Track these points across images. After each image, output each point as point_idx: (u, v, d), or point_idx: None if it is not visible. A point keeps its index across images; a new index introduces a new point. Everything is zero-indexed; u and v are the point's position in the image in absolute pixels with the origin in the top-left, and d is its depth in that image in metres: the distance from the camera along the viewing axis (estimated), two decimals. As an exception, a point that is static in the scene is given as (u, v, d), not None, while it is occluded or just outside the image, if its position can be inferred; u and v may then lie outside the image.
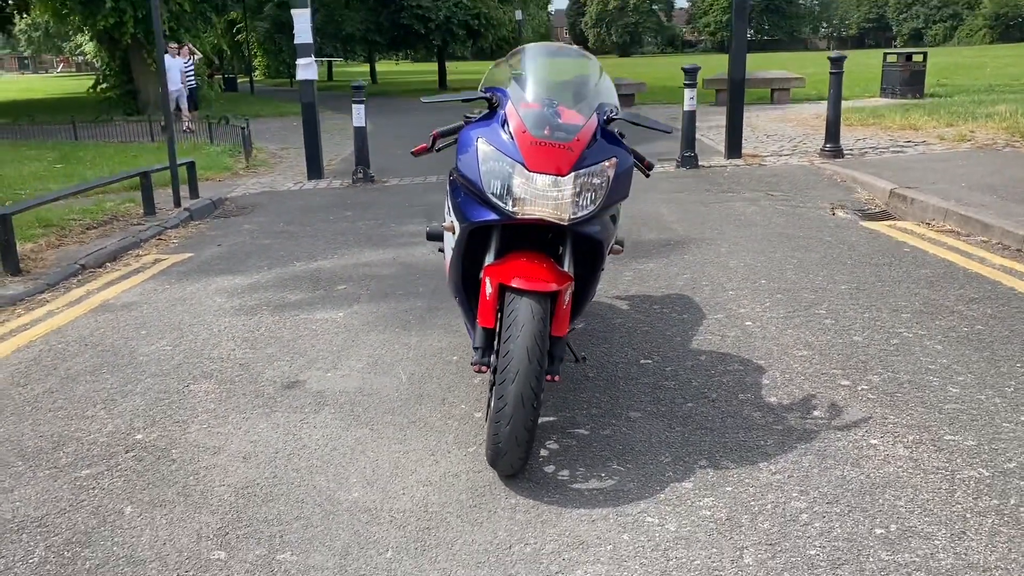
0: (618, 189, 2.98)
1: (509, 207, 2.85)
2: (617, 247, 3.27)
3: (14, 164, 12.67)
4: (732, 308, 4.65)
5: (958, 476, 2.77)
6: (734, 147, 10.64)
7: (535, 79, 3.16)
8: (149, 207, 8.48)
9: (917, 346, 3.95)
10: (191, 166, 9.33)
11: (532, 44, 3.41)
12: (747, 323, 4.38)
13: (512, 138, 2.90)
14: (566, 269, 3.01)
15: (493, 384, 2.80)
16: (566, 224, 2.87)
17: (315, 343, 4.47)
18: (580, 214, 2.86)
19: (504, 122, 2.96)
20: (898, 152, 10.29)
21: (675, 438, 3.16)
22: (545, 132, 2.89)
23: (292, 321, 4.88)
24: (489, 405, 2.86)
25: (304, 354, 4.31)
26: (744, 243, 6.19)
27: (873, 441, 3.03)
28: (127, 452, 3.32)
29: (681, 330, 4.34)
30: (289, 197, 9.73)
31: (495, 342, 2.91)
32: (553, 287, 2.79)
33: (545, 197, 2.83)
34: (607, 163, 2.93)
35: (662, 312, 4.65)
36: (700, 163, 10.29)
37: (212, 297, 5.55)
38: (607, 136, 3.03)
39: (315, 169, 10.72)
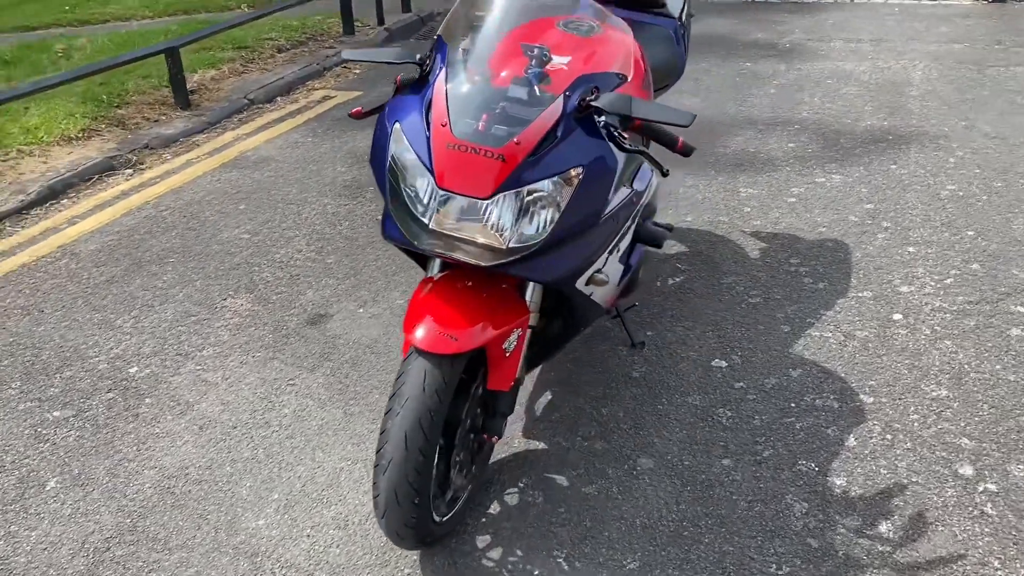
0: (583, 207, 2.04)
1: (416, 235, 2.07)
2: (602, 277, 2.29)
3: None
4: (893, 282, 3.45)
5: None
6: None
7: (492, 37, 2.21)
8: (348, 26, 8.15)
9: None
10: (400, -24, 8.76)
11: None
12: (895, 316, 3.22)
13: (429, 133, 2.06)
14: (529, 298, 2.21)
15: None
16: (485, 267, 2.04)
17: (379, 256, 3.98)
18: (514, 248, 2.01)
19: (430, 104, 2.11)
20: None
21: (667, 526, 2.36)
22: (478, 127, 2.01)
23: (379, 219, 4.40)
24: None
25: (359, 272, 3.85)
26: (989, 153, 4.63)
27: (937, 613, 2.05)
28: (108, 392, 3.13)
29: (798, 312, 3.29)
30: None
31: None
32: (467, 346, 2.03)
33: (459, 228, 2.00)
34: (569, 174, 2.00)
35: (795, 273, 3.57)
36: (1013, -7, 7.97)
37: (335, 164, 5.19)
38: (584, 125, 2.07)
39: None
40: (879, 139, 4.91)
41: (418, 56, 2.29)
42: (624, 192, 2.23)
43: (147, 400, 3.08)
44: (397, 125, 2.10)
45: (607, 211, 2.12)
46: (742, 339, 3.15)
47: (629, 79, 2.19)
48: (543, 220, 1.99)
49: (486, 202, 1.96)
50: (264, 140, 5.72)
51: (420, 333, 2.03)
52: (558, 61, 2.29)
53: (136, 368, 3.27)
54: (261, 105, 6.51)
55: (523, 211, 1.99)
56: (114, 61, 6.00)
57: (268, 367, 3.22)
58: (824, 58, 6.55)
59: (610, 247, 2.24)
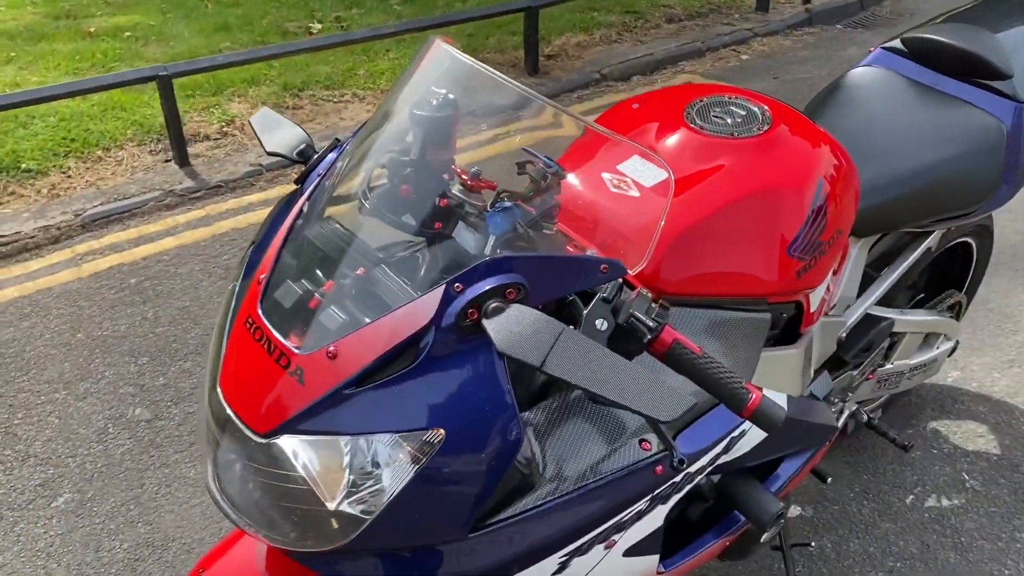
0: (438, 502, 1.06)
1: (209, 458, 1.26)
2: None
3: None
4: None
5: None
6: None
7: (384, 148, 1.26)
8: (762, 0, 6.98)
9: None
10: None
11: (444, 52, 1.29)
12: None
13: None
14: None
15: None
16: (272, 545, 1.18)
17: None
18: (344, 515, 1.10)
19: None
20: None
21: None
22: (309, 300, 1.12)
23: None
24: None
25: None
26: None
27: None
28: (196, 403, 2.83)
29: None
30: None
31: None
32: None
33: (231, 472, 1.16)
34: (423, 437, 1.02)
35: None
36: None
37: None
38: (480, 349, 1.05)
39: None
40: None
41: (297, 150, 1.41)
42: (636, 453, 1.19)
43: (216, 429, 2.70)
44: (253, 248, 1.30)
45: (532, 506, 1.12)
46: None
47: (632, 271, 1.11)
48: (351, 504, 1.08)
49: (257, 439, 1.10)
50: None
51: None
52: (636, 174, 1.32)
53: (242, 382, 2.91)
54: (612, 83, 5.80)
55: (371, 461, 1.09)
56: (464, 15, 5.71)
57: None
58: None
59: (578, 544, 1.22)
